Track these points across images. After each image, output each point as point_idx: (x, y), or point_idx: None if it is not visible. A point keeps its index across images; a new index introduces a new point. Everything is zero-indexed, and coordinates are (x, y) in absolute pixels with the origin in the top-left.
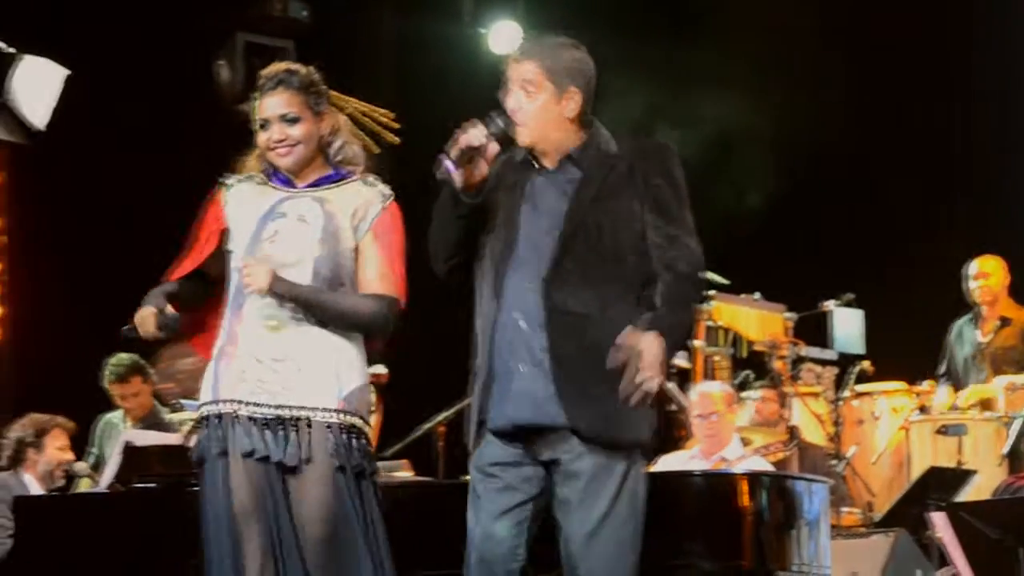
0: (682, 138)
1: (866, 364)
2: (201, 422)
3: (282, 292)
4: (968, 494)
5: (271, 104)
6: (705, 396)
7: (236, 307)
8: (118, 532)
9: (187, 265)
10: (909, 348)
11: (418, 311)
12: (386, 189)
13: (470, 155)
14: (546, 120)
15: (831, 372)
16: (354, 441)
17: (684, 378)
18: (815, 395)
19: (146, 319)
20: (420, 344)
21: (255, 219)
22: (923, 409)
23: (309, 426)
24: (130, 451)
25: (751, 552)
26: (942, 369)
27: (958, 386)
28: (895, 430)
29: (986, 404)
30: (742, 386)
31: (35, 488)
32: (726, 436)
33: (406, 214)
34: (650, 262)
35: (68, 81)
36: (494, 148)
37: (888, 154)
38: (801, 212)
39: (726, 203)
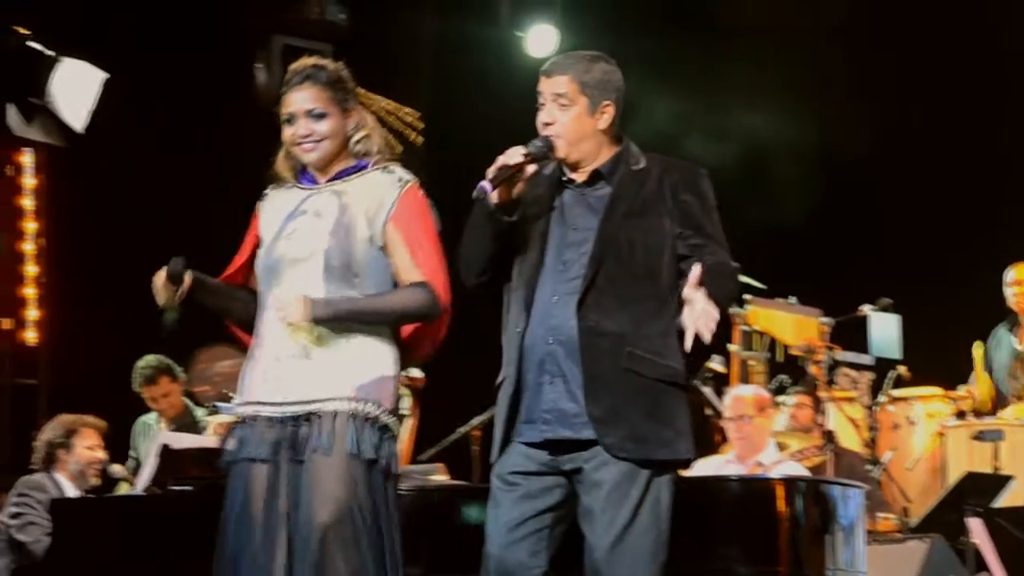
0: (718, 146)
1: (902, 369)
2: (233, 425)
3: (322, 316)
4: (1005, 500)
5: (297, 99)
6: (737, 399)
7: (262, 310)
8: (154, 534)
9: (225, 275)
10: (946, 353)
11: (454, 316)
12: (405, 175)
13: (507, 174)
14: (581, 132)
15: (867, 377)
16: (367, 430)
17: (720, 382)
18: (851, 400)
19: (157, 284)
20: (456, 348)
21: (281, 220)
22: (960, 415)
23: (320, 418)
24: (167, 454)
25: (787, 557)
26: (978, 374)
27: (996, 390)
28: (931, 435)
29: None
30: (778, 391)
31: (68, 488)
32: (759, 440)
33: (444, 216)
34: (683, 277)
35: (106, 84)
36: (531, 169)
37: (926, 160)
38: (838, 217)
39: (763, 209)
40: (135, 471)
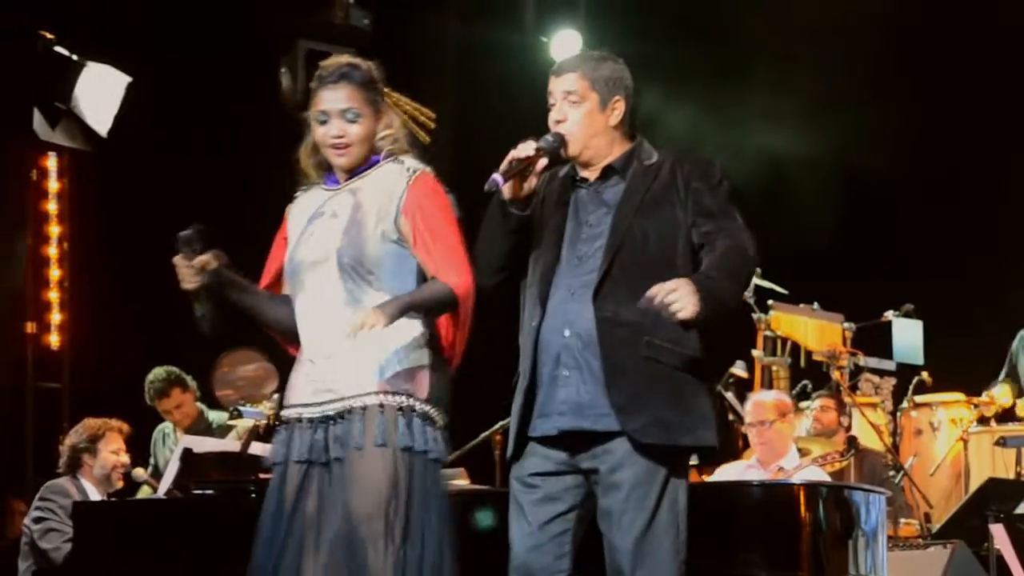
0: (740, 150)
1: (925, 375)
2: (279, 428)
3: (394, 315)
4: None
5: (332, 98)
6: (758, 404)
7: (296, 315)
8: (175, 538)
9: (264, 284)
10: (968, 359)
11: (476, 321)
12: (414, 164)
13: (519, 168)
14: (593, 129)
15: (889, 383)
16: (400, 421)
17: (743, 388)
18: (873, 406)
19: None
20: (478, 353)
21: (304, 223)
22: (982, 420)
23: (351, 413)
24: (188, 457)
25: (808, 562)
26: (1003, 374)
27: (1020, 392)
28: (954, 441)
29: None
30: (801, 396)
31: (92, 492)
32: (781, 445)
33: (468, 220)
34: (700, 267)
35: (130, 88)
36: (542, 162)
37: (950, 165)
38: (861, 222)
39: (787, 215)
40: (153, 476)
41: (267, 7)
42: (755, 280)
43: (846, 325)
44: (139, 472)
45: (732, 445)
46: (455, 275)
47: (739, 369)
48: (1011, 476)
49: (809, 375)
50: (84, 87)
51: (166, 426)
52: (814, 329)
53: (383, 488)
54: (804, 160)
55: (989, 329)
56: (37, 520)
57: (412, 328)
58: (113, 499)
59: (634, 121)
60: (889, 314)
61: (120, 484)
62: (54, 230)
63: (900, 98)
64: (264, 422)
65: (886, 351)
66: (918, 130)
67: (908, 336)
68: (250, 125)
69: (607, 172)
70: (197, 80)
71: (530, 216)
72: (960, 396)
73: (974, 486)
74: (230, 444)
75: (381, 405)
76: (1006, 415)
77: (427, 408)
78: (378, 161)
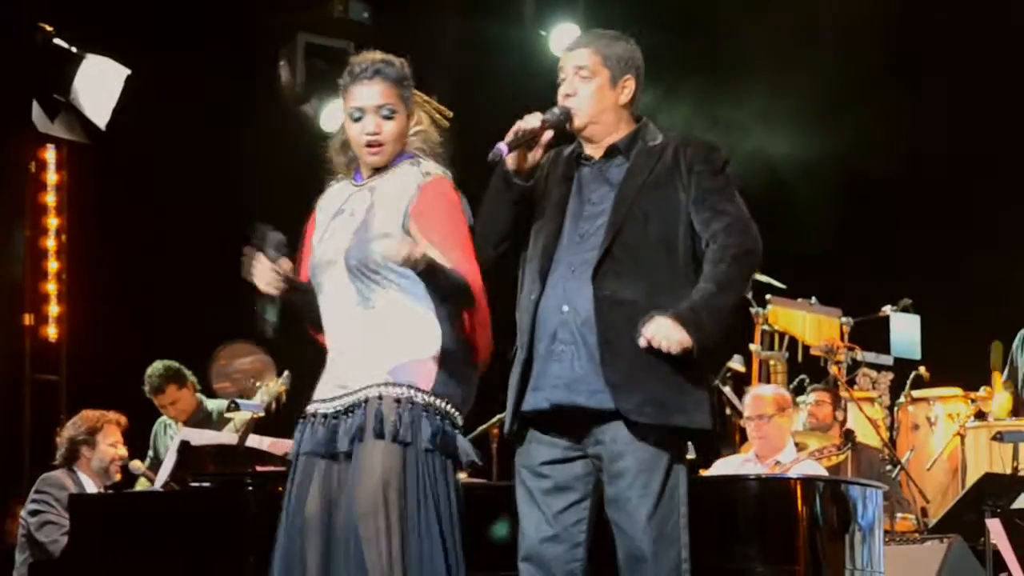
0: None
1: (922, 370)
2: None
3: (429, 260)
4: None
5: (367, 94)
6: (756, 398)
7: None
8: (172, 531)
9: (302, 277)
10: (966, 354)
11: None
12: (431, 167)
13: (524, 139)
14: (602, 104)
15: (887, 377)
16: (405, 413)
17: (740, 382)
18: (871, 400)
19: (258, 268)
20: None
21: (327, 220)
22: (979, 415)
23: (357, 406)
24: (186, 450)
25: (805, 557)
26: (1004, 376)
27: (1018, 395)
28: (951, 436)
29: None
30: (798, 390)
31: (89, 485)
32: (778, 439)
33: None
34: (700, 249)
35: (129, 80)
36: (548, 135)
37: (948, 160)
38: (860, 218)
39: (785, 211)
40: (152, 469)
41: (267, 0)
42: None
43: (844, 320)
44: (136, 464)
45: (729, 439)
46: (469, 273)
47: (736, 363)
48: (1008, 471)
49: (806, 369)
50: (83, 79)
51: (166, 418)
52: (812, 323)
53: (380, 481)
54: (802, 156)
55: (987, 324)
56: (33, 512)
57: (421, 320)
58: (110, 491)
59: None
60: (887, 309)
61: (118, 477)
62: (52, 222)
63: (901, 97)
64: (261, 414)
65: (884, 346)
66: (918, 127)
67: (906, 331)
68: (249, 117)
69: (611, 151)
70: (196, 73)
71: (532, 188)
72: (957, 391)
73: (971, 481)
74: (227, 437)
75: (380, 396)
76: None
77: (431, 400)
78: (400, 160)
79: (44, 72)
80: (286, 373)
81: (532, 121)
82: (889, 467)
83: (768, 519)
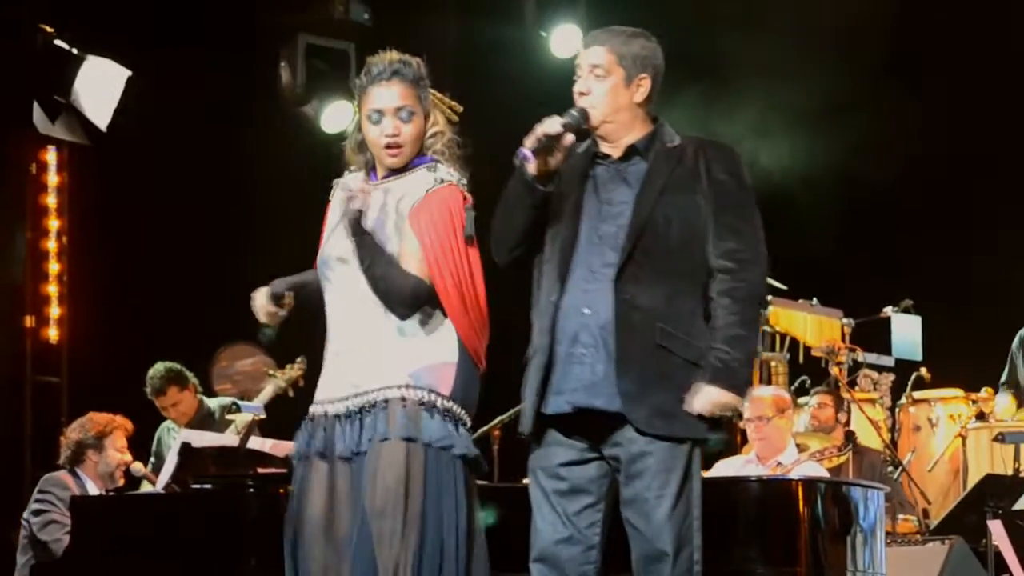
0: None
1: (923, 371)
2: (303, 421)
3: (361, 235)
4: None
5: (386, 96)
6: (756, 400)
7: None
8: (173, 533)
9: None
10: (967, 355)
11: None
12: (446, 175)
13: (547, 144)
14: (616, 103)
15: (888, 378)
16: (423, 416)
17: None
18: (872, 402)
19: (259, 304)
20: None
21: (339, 215)
22: (980, 416)
23: (374, 407)
24: (187, 452)
25: (807, 558)
26: (1004, 377)
27: (1020, 395)
28: (952, 437)
29: None
30: (799, 392)
31: (92, 488)
32: (779, 441)
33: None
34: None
35: (129, 82)
36: (569, 139)
37: (949, 161)
38: (861, 220)
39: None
40: (156, 473)
41: (267, 1)
42: None
43: (845, 321)
44: (138, 467)
45: (730, 441)
46: (423, 282)
47: None
48: (1009, 472)
49: (808, 371)
50: (84, 81)
51: (169, 422)
52: (813, 325)
53: (398, 482)
54: (803, 157)
55: (988, 325)
56: (36, 512)
57: (440, 325)
58: (111, 493)
59: None
60: (888, 310)
61: (122, 482)
62: (53, 224)
63: (902, 98)
64: (262, 416)
65: (885, 347)
66: (919, 128)
67: (907, 332)
68: (250, 119)
69: (629, 152)
70: (197, 74)
71: (551, 193)
72: (959, 392)
73: (972, 482)
74: (229, 439)
75: (403, 399)
76: None
77: (449, 404)
78: (418, 164)
79: (45, 73)
80: (301, 357)
81: (553, 125)
82: (890, 468)
83: (769, 520)
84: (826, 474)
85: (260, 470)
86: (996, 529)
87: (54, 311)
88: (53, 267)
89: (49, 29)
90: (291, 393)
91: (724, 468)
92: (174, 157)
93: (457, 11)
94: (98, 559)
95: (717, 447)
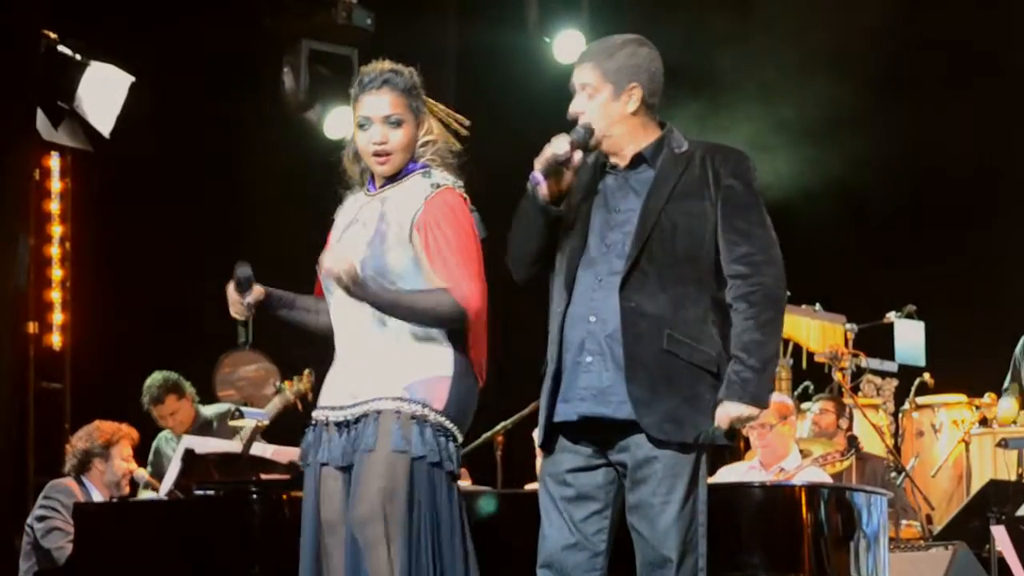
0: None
1: (927, 376)
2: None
3: (358, 291)
4: None
5: (374, 104)
6: None
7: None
8: (176, 539)
9: (317, 289)
10: (970, 361)
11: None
12: (441, 179)
13: (557, 166)
14: (610, 117)
15: (891, 384)
16: (414, 428)
17: None
18: (875, 407)
19: (228, 296)
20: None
21: (341, 231)
22: (984, 422)
23: (367, 417)
24: (190, 458)
25: (810, 564)
26: (1007, 382)
27: (1023, 399)
28: (955, 443)
29: None
30: (802, 398)
31: (97, 495)
32: (782, 447)
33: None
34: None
35: (133, 88)
36: (578, 157)
37: (952, 166)
38: (864, 223)
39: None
40: (157, 479)
41: (270, 7)
42: None
43: (848, 326)
44: (141, 473)
45: (733, 447)
46: (464, 290)
47: None
48: (1013, 478)
49: (811, 376)
50: (87, 87)
51: (167, 432)
52: (816, 330)
53: (382, 491)
54: (806, 163)
55: (991, 331)
56: (40, 518)
57: (437, 340)
58: (114, 500)
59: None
60: (891, 315)
61: (127, 491)
62: (56, 230)
63: (904, 107)
64: (265, 423)
65: (888, 352)
66: (922, 136)
67: (910, 337)
68: (253, 125)
69: (636, 160)
70: (200, 80)
71: (564, 211)
72: (962, 398)
73: (975, 488)
74: (232, 445)
75: (397, 411)
76: None
77: (441, 419)
78: (412, 171)
79: (48, 79)
80: (309, 369)
81: (562, 146)
82: (894, 474)
83: (773, 527)
84: (829, 480)
85: (263, 476)
86: (999, 535)
87: (57, 317)
88: (56, 273)
89: (52, 35)
90: (300, 406)
91: (728, 474)
92: (177, 163)
93: (460, 17)
94: (101, 566)
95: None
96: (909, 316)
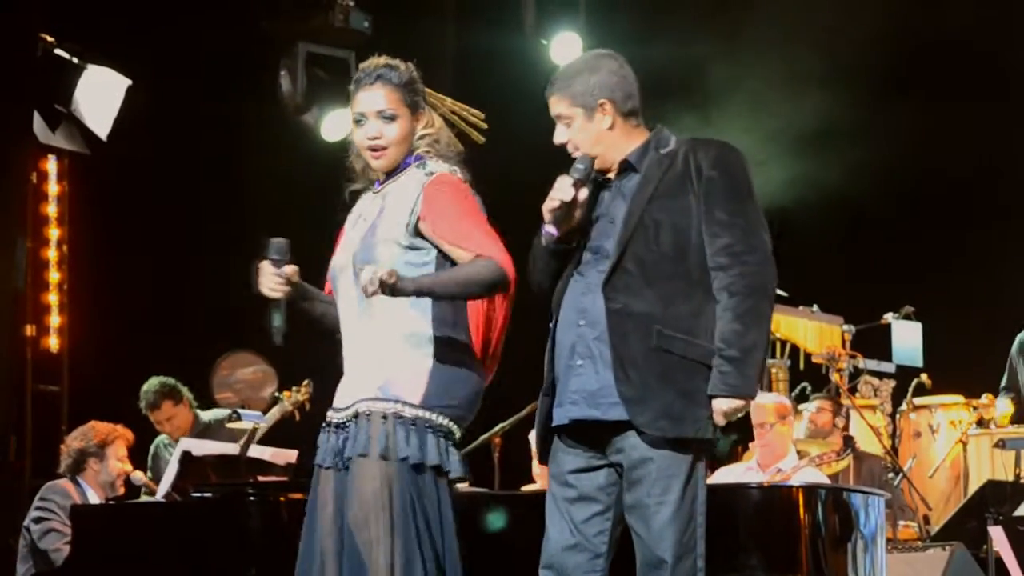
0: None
1: (924, 377)
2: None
3: (412, 289)
4: None
5: (368, 99)
6: (757, 407)
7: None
8: (174, 541)
9: (327, 288)
10: (967, 361)
11: None
12: (435, 167)
13: (565, 211)
14: (590, 139)
15: (888, 385)
16: (399, 428)
17: None
18: (873, 408)
19: (263, 275)
20: None
21: (348, 228)
22: (981, 423)
23: (356, 418)
24: (187, 460)
25: (807, 565)
26: (1004, 382)
27: (1020, 399)
28: (953, 443)
29: None
30: (800, 398)
31: (93, 496)
32: (780, 448)
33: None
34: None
35: (130, 91)
36: (583, 194)
37: (950, 167)
38: (861, 225)
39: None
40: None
41: (267, 10)
42: None
43: (845, 327)
44: (138, 475)
45: (738, 442)
46: (496, 255)
47: None
48: (1010, 478)
49: (808, 377)
50: (84, 90)
51: (164, 437)
52: (813, 331)
53: (366, 498)
54: (803, 164)
55: (989, 332)
56: (37, 520)
57: (413, 332)
58: (111, 502)
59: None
60: (889, 316)
61: (122, 491)
62: (54, 233)
63: (902, 109)
64: (262, 425)
65: (885, 353)
66: (920, 137)
67: (908, 338)
68: (250, 127)
69: (624, 167)
70: (197, 82)
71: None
72: (959, 398)
73: (973, 488)
74: (229, 447)
75: (368, 412)
76: None
77: (420, 413)
78: (408, 164)
79: (45, 82)
80: (308, 380)
81: (567, 191)
82: (891, 475)
83: (770, 527)
84: (827, 480)
85: (260, 478)
86: (997, 535)
87: (54, 320)
88: (53, 276)
89: (49, 38)
90: (297, 416)
91: (725, 475)
92: (174, 166)
93: (457, 19)
94: (98, 568)
95: (723, 450)
96: (906, 317)
